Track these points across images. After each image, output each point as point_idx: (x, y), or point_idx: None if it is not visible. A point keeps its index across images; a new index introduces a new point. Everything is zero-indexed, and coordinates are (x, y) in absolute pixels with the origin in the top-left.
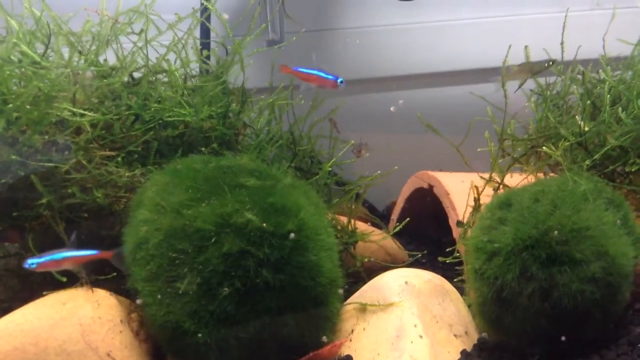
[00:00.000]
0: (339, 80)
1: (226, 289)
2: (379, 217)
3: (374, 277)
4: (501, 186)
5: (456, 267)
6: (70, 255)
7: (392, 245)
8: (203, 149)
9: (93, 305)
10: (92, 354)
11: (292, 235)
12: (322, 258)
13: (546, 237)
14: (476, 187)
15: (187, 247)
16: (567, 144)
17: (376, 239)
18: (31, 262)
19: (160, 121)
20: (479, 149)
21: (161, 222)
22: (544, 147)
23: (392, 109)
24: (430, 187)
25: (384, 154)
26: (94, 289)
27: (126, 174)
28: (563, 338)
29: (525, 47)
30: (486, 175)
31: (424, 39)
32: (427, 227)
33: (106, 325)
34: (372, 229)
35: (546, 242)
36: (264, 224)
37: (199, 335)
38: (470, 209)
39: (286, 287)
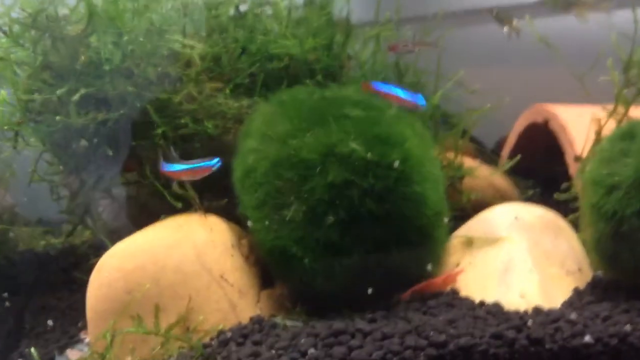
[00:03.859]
0: (419, 102)
1: (331, 217)
2: (489, 154)
3: None
4: (625, 118)
5: (571, 204)
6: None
7: (501, 182)
8: (308, 80)
9: (207, 229)
10: (206, 275)
11: (396, 163)
12: (427, 189)
13: None
14: (598, 120)
15: (292, 176)
16: None
17: (484, 175)
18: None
19: (265, 53)
20: (601, 78)
21: (268, 151)
22: None
23: (504, 29)
24: (546, 121)
25: (496, 87)
26: (207, 214)
27: (234, 105)
28: None
29: None
30: (609, 107)
31: None
32: (540, 164)
33: (219, 248)
34: (480, 165)
35: None
36: (369, 154)
37: (306, 260)
38: (590, 144)
39: (390, 217)
